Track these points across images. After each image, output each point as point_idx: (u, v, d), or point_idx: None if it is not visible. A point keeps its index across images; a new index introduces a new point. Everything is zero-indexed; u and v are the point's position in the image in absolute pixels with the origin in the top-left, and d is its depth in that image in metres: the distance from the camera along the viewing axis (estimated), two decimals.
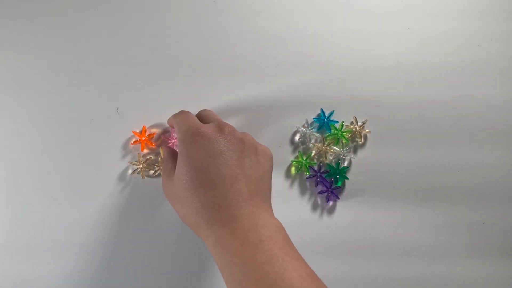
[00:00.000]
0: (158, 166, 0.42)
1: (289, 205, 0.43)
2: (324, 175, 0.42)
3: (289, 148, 0.43)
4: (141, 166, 0.42)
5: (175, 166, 0.35)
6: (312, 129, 0.43)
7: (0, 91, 0.44)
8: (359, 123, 0.43)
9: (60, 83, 0.44)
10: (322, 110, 0.43)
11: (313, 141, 0.43)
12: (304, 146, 0.43)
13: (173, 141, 0.43)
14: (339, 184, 0.42)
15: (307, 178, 0.43)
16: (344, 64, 0.45)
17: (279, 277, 0.27)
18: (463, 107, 0.44)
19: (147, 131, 0.43)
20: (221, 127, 0.34)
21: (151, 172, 0.42)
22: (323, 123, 0.43)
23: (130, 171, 0.43)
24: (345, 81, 0.44)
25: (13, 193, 0.42)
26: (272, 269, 0.28)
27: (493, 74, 0.45)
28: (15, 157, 0.43)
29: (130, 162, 0.42)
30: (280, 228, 0.31)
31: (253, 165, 0.33)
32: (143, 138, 0.42)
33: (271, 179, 0.35)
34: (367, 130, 0.43)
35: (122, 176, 0.42)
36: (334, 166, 0.43)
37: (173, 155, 0.38)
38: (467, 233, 0.42)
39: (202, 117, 0.38)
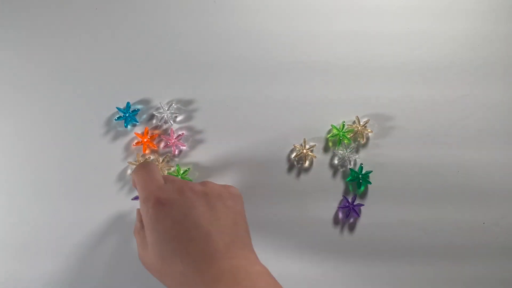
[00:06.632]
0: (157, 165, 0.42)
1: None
2: (346, 179, 0.42)
3: (289, 148, 0.43)
4: None
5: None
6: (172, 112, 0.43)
7: (0, 91, 0.43)
8: (361, 123, 0.43)
9: (61, 83, 0.44)
10: (128, 103, 0.43)
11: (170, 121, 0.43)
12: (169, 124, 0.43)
13: (172, 141, 0.42)
14: (362, 189, 0.42)
15: (340, 208, 0.42)
16: (345, 64, 0.45)
17: None
18: (463, 107, 0.44)
19: (149, 132, 0.43)
20: (179, 187, 0.32)
21: None
22: (126, 117, 0.42)
23: (129, 171, 0.42)
24: (345, 81, 0.44)
25: (12, 193, 0.42)
26: None
27: (493, 74, 0.45)
28: (15, 157, 0.42)
29: (129, 162, 0.42)
30: (262, 273, 0.30)
31: (222, 214, 0.32)
32: (145, 140, 0.42)
33: (245, 218, 0.34)
34: (369, 130, 0.43)
35: (121, 176, 0.42)
36: (357, 171, 0.42)
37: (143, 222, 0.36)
38: (467, 233, 0.42)
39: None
